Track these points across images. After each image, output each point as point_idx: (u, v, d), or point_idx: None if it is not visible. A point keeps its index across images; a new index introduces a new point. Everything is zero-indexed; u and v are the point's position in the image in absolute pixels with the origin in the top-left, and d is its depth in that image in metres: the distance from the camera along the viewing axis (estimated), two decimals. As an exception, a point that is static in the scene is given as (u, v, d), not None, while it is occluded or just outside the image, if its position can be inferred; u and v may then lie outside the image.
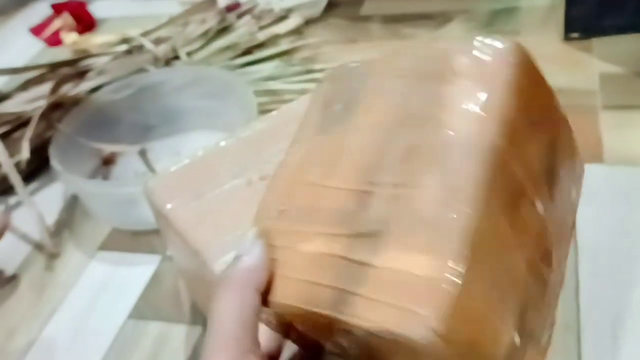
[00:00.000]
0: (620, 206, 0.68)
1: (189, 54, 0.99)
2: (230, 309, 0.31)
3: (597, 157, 0.74)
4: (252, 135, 0.61)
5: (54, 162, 0.76)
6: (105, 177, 0.85)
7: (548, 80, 0.34)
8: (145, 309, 0.68)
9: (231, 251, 0.48)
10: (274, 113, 0.64)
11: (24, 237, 0.78)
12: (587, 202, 0.70)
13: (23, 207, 0.81)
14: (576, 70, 0.88)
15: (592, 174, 0.72)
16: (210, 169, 0.58)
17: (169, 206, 0.54)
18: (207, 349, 0.31)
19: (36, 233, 0.78)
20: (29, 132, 0.82)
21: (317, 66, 0.95)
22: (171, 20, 1.05)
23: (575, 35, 0.93)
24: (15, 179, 0.79)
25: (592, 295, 0.59)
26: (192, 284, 0.62)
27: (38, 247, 0.77)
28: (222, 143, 0.61)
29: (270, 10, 1.08)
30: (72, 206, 0.83)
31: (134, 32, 1.04)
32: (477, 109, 0.30)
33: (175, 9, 1.13)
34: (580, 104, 0.82)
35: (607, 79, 0.85)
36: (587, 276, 0.61)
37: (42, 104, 0.86)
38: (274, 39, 1.04)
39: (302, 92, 0.68)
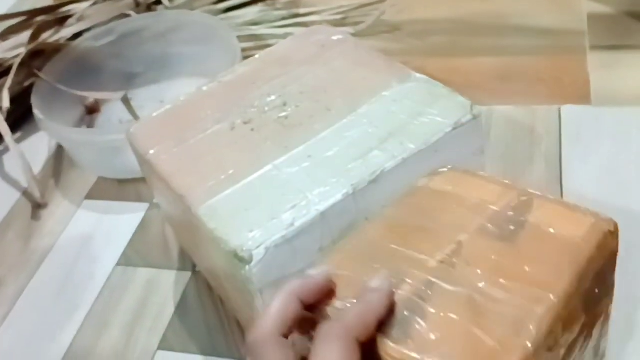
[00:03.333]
0: (606, 147, 0.68)
1: (170, -2, 0.97)
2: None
3: (585, 98, 0.73)
4: (235, 80, 0.60)
5: (36, 111, 0.75)
6: (90, 126, 0.84)
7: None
8: (134, 256, 0.68)
9: (216, 195, 0.49)
10: (256, 56, 0.62)
11: (11, 185, 0.77)
12: (573, 143, 0.70)
13: (8, 157, 0.81)
14: (564, 11, 0.87)
15: (579, 115, 0.72)
16: (193, 114, 0.57)
17: (152, 152, 0.54)
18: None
19: (23, 183, 0.78)
20: (9, 81, 0.80)
21: (302, 10, 0.93)
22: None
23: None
24: (3, 127, 0.78)
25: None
26: (179, 230, 0.62)
27: (25, 196, 0.77)
28: (204, 88, 0.60)
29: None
30: (57, 156, 0.82)
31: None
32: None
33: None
34: (568, 44, 0.82)
35: (595, 19, 0.84)
36: (572, 216, 0.62)
37: (22, 52, 0.84)
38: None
39: (287, 37, 0.67)
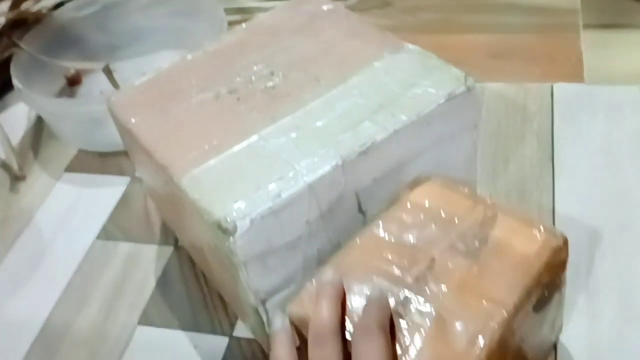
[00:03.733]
0: (599, 125, 0.67)
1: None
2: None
3: (578, 76, 0.72)
4: (220, 49, 0.58)
5: (16, 81, 0.72)
6: (71, 98, 0.82)
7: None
8: (114, 230, 0.66)
9: (199, 165, 0.47)
10: (243, 26, 0.60)
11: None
12: (566, 121, 0.69)
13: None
14: (558, -11, 0.85)
15: (572, 93, 0.71)
16: (176, 83, 0.55)
17: (133, 121, 0.52)
18: None
19: (1, 154, 0.75)
20: (-13, 50, 0.78)
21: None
22: None
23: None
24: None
25: (568, 214, 0.59)
26: (162, 203, 0.60)
27: (3, 168, 0.75)
28: (189, 57, 0.58)
29: None
30: (37, 127, 0.80)
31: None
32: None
33: None
34: (562, 22, 0.80)
35: (589, -3, 0.83)
36: (563, 194, 0.61)
37: (2, 21, 0.81)
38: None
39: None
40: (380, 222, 0.45)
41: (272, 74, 0.53)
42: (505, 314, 0.38)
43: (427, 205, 0.46)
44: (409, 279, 0.41)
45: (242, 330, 0.54)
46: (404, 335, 0.38)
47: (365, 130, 0.47)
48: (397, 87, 0.50)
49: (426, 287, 0.40)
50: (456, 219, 0.44)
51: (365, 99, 0.49)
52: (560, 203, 0.60)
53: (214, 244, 0.45)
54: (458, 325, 0.38)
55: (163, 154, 0.49)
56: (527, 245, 0.42)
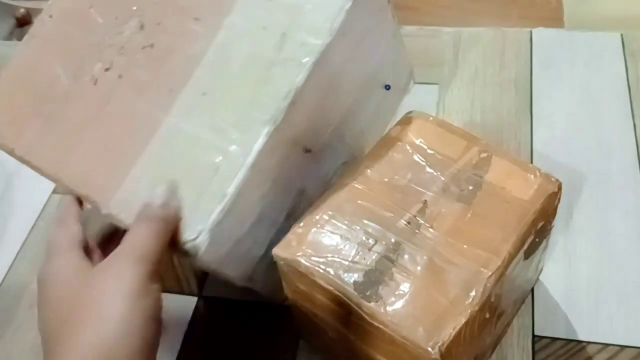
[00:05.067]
0: (578, 72, 0.64)
1: None
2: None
3: (558, 21, 0.70)
4: (63, 15, 0.45)
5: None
6: (21, 40, 0.76)
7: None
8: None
9: (120, 183, 0.39)
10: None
11: None
12: (545, 68, 0.66)
13: None
14: None
15: (552, 39, 0.68)
16: (39, 74, 0.43)
17: (17, 148, 0.43)
18: None
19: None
20: None
21: None
22: None
23: None
24: None
25: (546, 163, 0.57)
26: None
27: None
28: (36, 34, 0.45)
29: None
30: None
31: None
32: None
33: None
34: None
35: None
36: (542, 143, 0.59)
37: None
38: None
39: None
40: (370, 162, 0.43)
41: (141, 27, 0.43)
42: (500, 263, 0.37)
43: (419, 144, 0.44)
44: (401, 223, 0.40)
45: (211, 289, 0.52)
46: (395, 281, 0.37)
47: (280, 76, 0.39)
48: (289, 6, 0.41)
49: (417, 232, 0.39)
50: (450, 160, 0.43)
51: (262, 31, 0.40)
52: (538, 154, 0.58)
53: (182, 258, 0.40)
54: (451, 274, 0.37)
55: (73, 180, 0.41)
56: (521, 189, 0.41)
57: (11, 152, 0.43)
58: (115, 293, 0.34)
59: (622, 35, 0.67)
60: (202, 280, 0.53)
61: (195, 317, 0.51)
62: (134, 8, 0.44)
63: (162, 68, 0.42)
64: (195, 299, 0.52)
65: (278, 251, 0.39)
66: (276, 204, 0.43)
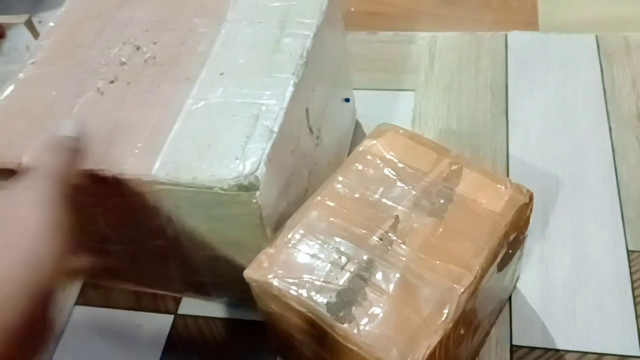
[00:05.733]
0: (554, 76, 0.64)
1: None
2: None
3: (533, 24, 0.69)
4: (50, 53, 0.47)
5: None
6: (-6, 54, 0.75)
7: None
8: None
9: (157, 152, 0.39)
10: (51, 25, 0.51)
11: None
12: (521, 72, 0.66)
13: None
14: None
15: (527, 42, 0.68)
16: (41, 97, 0.44)
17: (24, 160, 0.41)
18: None
19: None
20: None
21: None
22: None
23: None
24: None
25: (522, 169, 0.57)
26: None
27: None
28: (24, 71, 0.46)
29: None
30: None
31: None
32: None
33: None
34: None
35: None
36: (517, 149, 0.59)
37: None
38: None
39: None
40: (340, 176, 0.43)
41: (138, 48, 0.46)
42: (472, 279, 0.38)
43: (390, 158, 0.44)
44: (373, 240, 0.39)
45: (187, 307, 0.52)
46: (368, 301, 0.37)
47: (290, 44, 0.45)
48: (276, 6, 0.48)
49: (390, 249, 0.39)
50: (420, 173, 0.43)
51: (261, 24, 0.47)
52: (514, 159, 0.58)
53: (227, 211, 0.40)
54: (424, 291, 0.37)
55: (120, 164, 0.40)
56: (493, 201, 0.41)
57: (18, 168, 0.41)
58: (29, 204, 0.32)
59: (597, 36, 0.67)
60: (178, 299, 0.52)
61: (172, 336, 0.50)
62: (124, 36, 0.47)
63: (173, 67, 0.44)
64: (171, 317, 0.51)
65: (250, 273, 0.39)
66: (300, 167, 0.45)
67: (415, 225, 0.40)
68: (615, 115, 0.60)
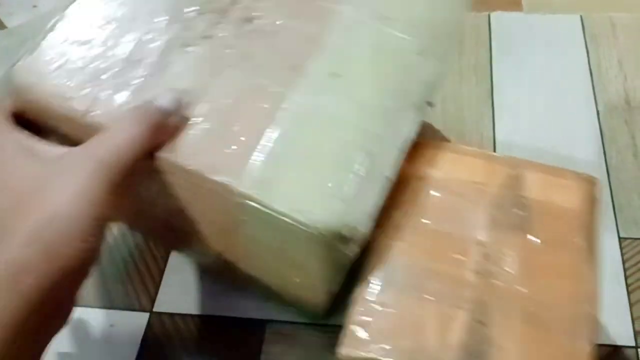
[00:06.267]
0: (539, 57, 0.63)
1: None
2: None
3: (516, 5, 0.67)
4: None
5: None
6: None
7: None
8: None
9: (245, 163, 0.34)
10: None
11: None
12: (505, 53, 0.64)
13: None
14: None
15: (510, 23, 0.66)
16: (103, 35, 0.37)
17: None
18: None
19: None
20: None
21: None
22: None
23: None
24: None
25: (509, 155, 0.55)
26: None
27: None
28: None
29: None
30: None
31: None
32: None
33: None
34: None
35: None
36: (504, 134, 0.57)
37: None
38: None
39: None
40: (394, 211, 0.37)
41: (234, 2, 0.39)
42: (596, 292, 0.34)
43: (437, 176, 0.39)
44: (470, 275, 0.35)
45: (163, 305, 0.49)
46: (498, 345, 0.32)
47: (422, 66, 0.38)
48: None
49: (493, 282, 0.34)
50: (480, 187, 0.38)
51: (386, 20, 0.39)
52: (501, 145, 0.56)
53: (306, 254, 0.35)
54: (552, 316, 0.33)
55: (198, 162, 0.34)
56: (567, 198, 0.37)
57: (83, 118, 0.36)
58: (67, 194, 0.30)
59: (581, 16, 0.65)
60: (153, 296, 0.50)
61: (148, 335, 0.48)
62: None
63: (272, 45, 0.38)
64: (147, 315, 0.49)
65: (347, 351, 0.33)
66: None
67: (503, 246, 0.36)
68: (603, 98, 0.59)
